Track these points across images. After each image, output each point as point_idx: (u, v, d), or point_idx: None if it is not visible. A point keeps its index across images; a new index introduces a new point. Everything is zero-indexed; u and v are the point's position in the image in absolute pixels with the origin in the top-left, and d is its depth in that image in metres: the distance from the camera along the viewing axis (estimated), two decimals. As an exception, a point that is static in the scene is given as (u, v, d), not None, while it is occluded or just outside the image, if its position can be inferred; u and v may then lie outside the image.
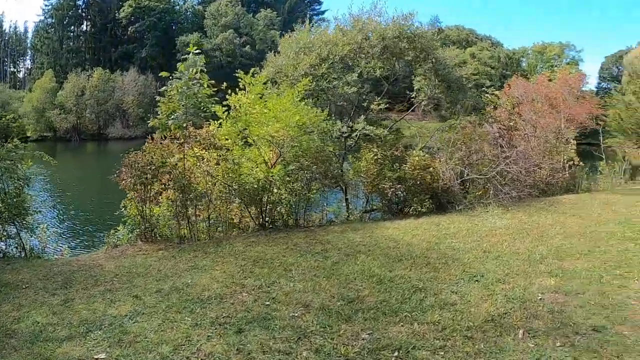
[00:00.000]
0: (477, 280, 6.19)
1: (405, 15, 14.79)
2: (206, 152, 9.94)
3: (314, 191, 11.20)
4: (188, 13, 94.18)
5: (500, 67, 70.89)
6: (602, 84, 69.47)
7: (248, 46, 75.18)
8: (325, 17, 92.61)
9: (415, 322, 4.88)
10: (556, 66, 76.36)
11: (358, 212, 12.53)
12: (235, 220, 10.50)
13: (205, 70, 9.45)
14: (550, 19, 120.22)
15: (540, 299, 5.57)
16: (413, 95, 16.09)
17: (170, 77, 9.30)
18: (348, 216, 12.11)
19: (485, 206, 11.51)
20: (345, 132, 14.17)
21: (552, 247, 7.84)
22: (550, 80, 19.67)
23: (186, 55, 9.62)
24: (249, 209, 10.23)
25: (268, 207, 10.40)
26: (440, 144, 13.92)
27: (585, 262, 7.03)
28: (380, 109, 14.24)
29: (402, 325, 4.81)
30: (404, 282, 6.08)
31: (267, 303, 5.45)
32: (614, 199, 12.97)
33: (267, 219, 10.39)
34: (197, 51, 9.48)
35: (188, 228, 9.35)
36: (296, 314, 5.11)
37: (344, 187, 13.04)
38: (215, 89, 9.66)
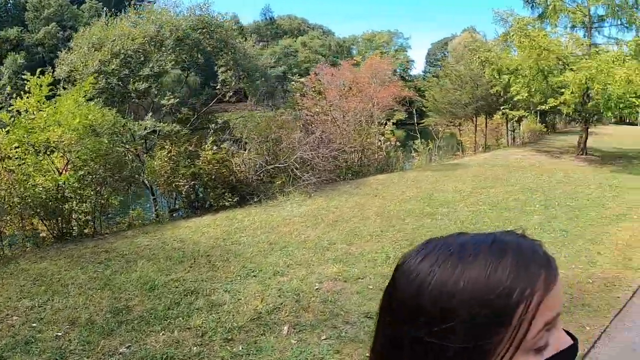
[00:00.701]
0: (254, 276, 6.22)
1: (200, 5, 15.03)
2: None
3: (113, 196, 10.86)
4: (9, 5, 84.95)
5: (330, 55, 73.83)
6: (429, 68, 75.26)
7: (72, 41, 69.39)
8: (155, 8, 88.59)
9: (177, 328, 4.80)
10: (385, 53, 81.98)
11: (164, 213, 12.44)
12: (29, 234, 9.84)
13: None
14: (381, 8, 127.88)
15: (317, 289, 5.72)
16: (218, 86, 16.19)
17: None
18: (157, 217, 11.93)
19: (286, 195, 11.84)
20: (145, 131, 13.85)
21: (344, 232, 8.24)
22: (356, 64, 20.91)
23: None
24: (45, 222, 9.69)
25: (62, 217, 9.89)
26: (247, 134, 14.13)
27: (374, 243, 7.50)
28: (172, 103, 13.99)
29: (163, 334, 4.69)
30: (178, 286, 5.96)
31: (34, 325, 5.09)
32: (423, 176, 14.24)
33: (63, 230, 9.87)
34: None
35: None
36: (60, 333, 4.84)
37: (150, 188, 12.86)
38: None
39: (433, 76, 35.54)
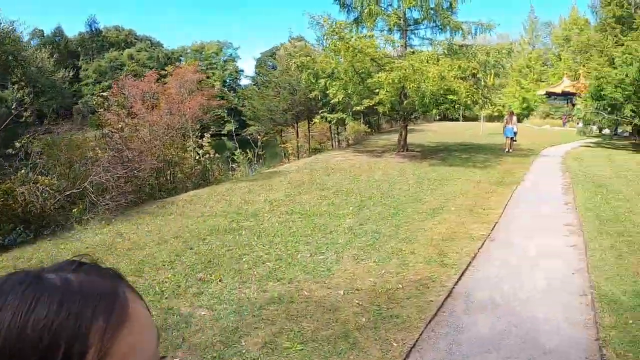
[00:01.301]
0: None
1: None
2: None
3: None
4: None
5: (159, 68, 71.18)
6: (264, 77, 75.56)
7: None
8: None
9: None
10: (215, 63, 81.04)
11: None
12: None
13: None
14: (211, 18, 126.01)
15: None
16: (13, 105, 13.78)
17: None
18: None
19: (84, 223, 10.39)
20: None
21: (136, 261, 7.17)
22: (161, 77, 19.54)
23: None
24: None
25: None
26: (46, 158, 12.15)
27: (166, 271, 6.61)
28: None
29: None
30: None
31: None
32: (235, 188, 13.36)
33: None
34: None
35: None
36: None
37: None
38: None
39: (253, 85, 35.26)
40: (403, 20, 18.38)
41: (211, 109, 18.79)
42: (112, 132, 14.67)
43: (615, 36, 29.20)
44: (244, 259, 7.05)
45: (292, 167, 16.86)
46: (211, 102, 19.23)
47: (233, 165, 19.19)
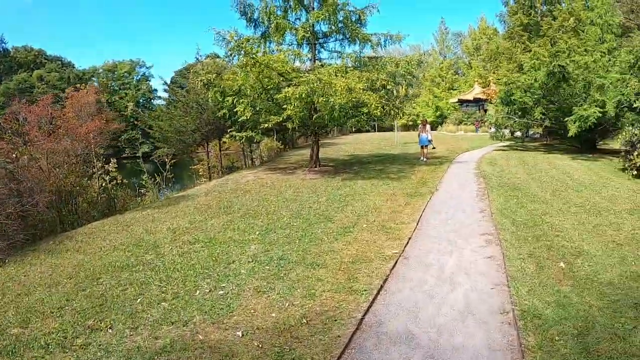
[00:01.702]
0: None
1: None
2: None
3: None
4: None
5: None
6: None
7: None
8: None
9: None
10: (128, 83, 78.53)
11: None
12: None
13: None
14: (127, 36, 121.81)
15: None
16: None
17: None
18: None
19: None
20: None
21: (23, 309, 6.29)
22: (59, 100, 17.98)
23: None
24: None
25: None
26: None
27: (53, 321, 5.76)
28: None
29: None
30: None
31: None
32: (140, 217, 12.06)
33: None
34: None
35: None
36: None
37: None
38: None
39: (159, 106, 33.77)
40: (312, 34, 17.86)
41: (114, 132, 17.37)
42: (6, 162, 13.08)
43: (522, 43, 30.48)
44: (138, 300, 6.22)
45: (201, 190, 15.75)
46: (110, 125, 17.79)
47: (141, 190, 17.81)
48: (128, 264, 7.83)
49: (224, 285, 6.57)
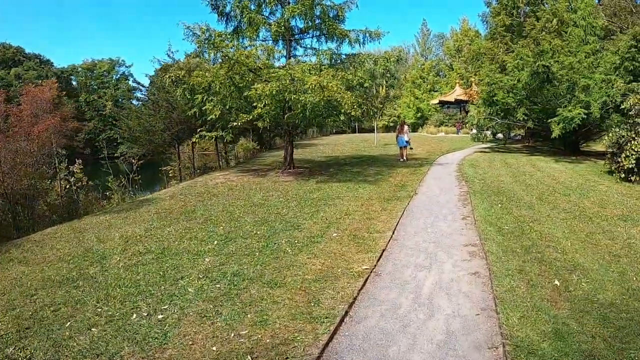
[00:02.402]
0: None
1: None
2: None
3: None
4: None
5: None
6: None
7: None
8: None
9: None
10: (107, 82, 76.85)
11: None
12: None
13: None
14: (106, 34, 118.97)
15: None
16: None
17: None
18: None
19: None
20: None
21: None
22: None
23: None
24: None
25: None
26: None
27: None
28: None
29: None
30: None
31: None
32: (95, 223, 10.86)
33: None
34: None
35: None
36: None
37: None
38: None
39: (131, 103, 32.25)
40: (287, 30, 16.79)
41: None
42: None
43: (505, 44, 29.74)
44: (68, 324, 5.26)
45: (167, 193, 14.55)
46: (68, 123, 16.54)
47: (106, 193, 16.60)
48: (69, 278, 6.80)
49: (165, 307, 5.54)
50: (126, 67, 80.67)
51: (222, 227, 9.27)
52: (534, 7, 31.16)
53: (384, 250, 7.38)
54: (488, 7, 36.10)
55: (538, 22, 26.23)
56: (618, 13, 35.03)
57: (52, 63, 75.62)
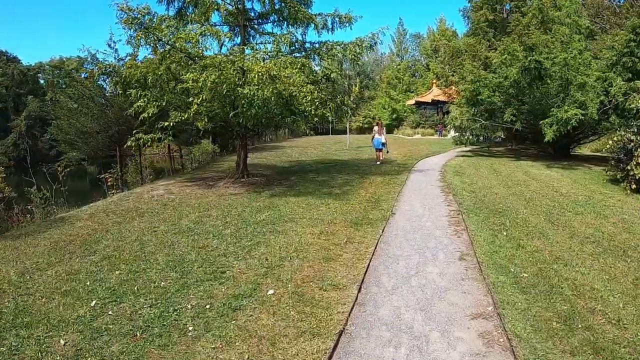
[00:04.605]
0: None
1: None
2: None
3: None
4: None
5: (14, 86, 62.90)
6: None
7: None
8: None
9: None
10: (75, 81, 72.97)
11: None
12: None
13: None
14: (70, 31, 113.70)
15: None
16: None
17: None
18: None
19: None
20: None
21: None
22: None
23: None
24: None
25: None
26: None
27: None
28: None
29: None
30: None
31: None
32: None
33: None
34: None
35: None
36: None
37: None
38: None
39: (59, 101, 27.82)
40: (241, 13, 13.80)
41: None
42: None
43: (488, 40, 27.75)
44: None
45: (89, 210, 11.30)
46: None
47: (27, 207, 13.32)
48: None
49: None
50: (94, 64, 76.79)
51: (118, 272, 6.23)
52: (518, 2, 29.15)
53: (340, 334, 4.33)
54: (470, 2, 33.91)
55: (524, 17, 23.94)
56: (600, 13, 33.53)
57: (19, 60, 71.68)
